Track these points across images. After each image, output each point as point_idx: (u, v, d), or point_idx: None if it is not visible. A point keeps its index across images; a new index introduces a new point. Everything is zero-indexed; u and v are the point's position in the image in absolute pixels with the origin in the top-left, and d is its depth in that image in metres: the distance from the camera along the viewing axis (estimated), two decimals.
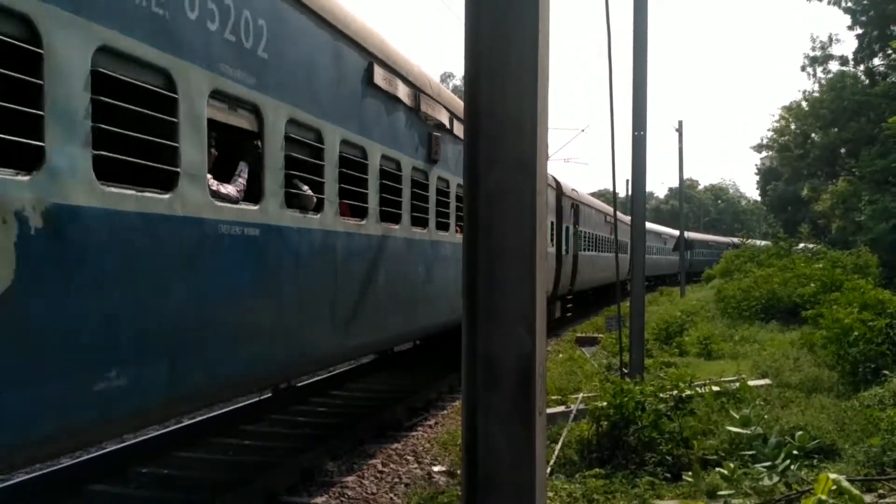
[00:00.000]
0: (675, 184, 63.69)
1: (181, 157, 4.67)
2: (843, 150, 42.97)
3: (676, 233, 43.47)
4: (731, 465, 6.31)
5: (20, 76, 3.57)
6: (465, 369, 2.60)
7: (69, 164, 3.81)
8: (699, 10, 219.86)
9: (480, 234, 2.57)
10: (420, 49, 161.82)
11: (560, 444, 7.76)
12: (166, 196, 4.54)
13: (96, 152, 3.99)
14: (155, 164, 4.49)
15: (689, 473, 6.68)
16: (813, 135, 46.26)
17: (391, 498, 7.18)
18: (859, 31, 39.61)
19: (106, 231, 4.07)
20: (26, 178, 3.57)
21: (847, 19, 39.59)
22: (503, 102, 2.54)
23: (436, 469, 8.03)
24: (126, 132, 4.23)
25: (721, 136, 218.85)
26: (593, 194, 44.01)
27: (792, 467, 6.28)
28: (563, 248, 21.04)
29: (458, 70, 79.37)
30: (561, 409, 9.31)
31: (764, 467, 6.31)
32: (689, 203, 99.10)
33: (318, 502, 7.01)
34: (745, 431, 7.03)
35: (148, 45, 4.39)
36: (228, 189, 5.43)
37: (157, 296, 4.48)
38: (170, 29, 4.56)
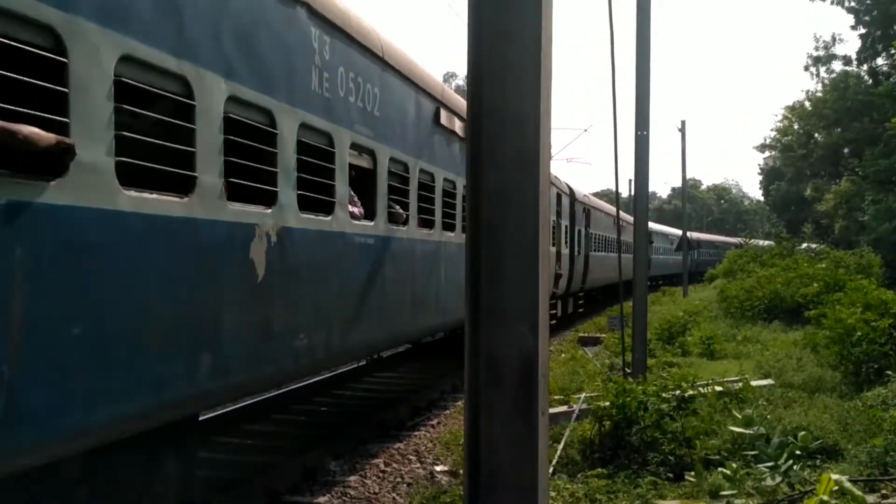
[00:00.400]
0: (678, 184, 63.56)
1: (336, 191, 6.64)
2: (846, 150, 42.91)
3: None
4: (734, 466, 6.30)
5: (266, 148, 5.53)
6: (467, 368, 2.60)
7: (288, 201, 5.78)
8: (702, 9, 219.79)
9: (483, 234, 2.57)
10: (423, 49, 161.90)
11: (562, 443, 7.76)
12: (328, 218, 6.53)
13: (299, 192, 5.94)
14: (325, 198, 6.47)
15: (692, 473, 6.68)
16: (816, 135, 46.17)
17: (394, 498, 7.18)
18: (862, 30, 39.50)
19: (302, 242, 6.04)
20: (269, 210, 5.51)
21: (850, 19, 39.51)
22: (504, 101, 2.54)
23: (438, 469, 8.03)
24: (311, 177, 6.18)
25: (724, 136, 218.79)
26: (596, 194, 44.04)
27: (795, 467, 6.28)
28: (576, 249, 22.72)
29: (461, 70, 79.45)
30: (563, 408, 9.30)
31: (767, 467, 6.31)
32: (692, 203, 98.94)
33: (320, 502, 7.01)
34: (747, 431, 7.02)
35: (322, 118, 6.39)
36: (357, 210, 7.31)
37: (324, 284, 6.48)
38: (332, 105, 6.58)
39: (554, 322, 20.70)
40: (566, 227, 21.29)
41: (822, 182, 46.95)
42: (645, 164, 11.08)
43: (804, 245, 32.87)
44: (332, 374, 12.01)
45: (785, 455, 6.33)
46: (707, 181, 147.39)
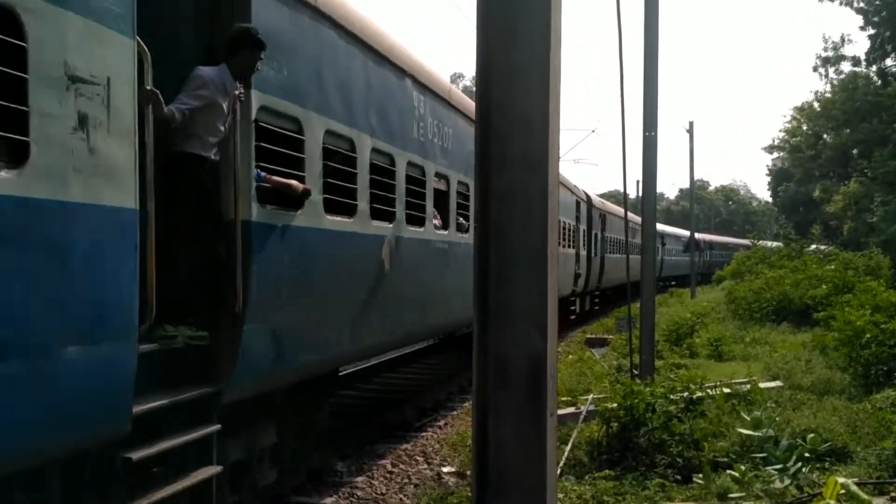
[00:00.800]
0: (686, 185, 63.52)
1: (426, 209, 8.69)
2: (855, 151, 42.67)
3: (697, 236, 43.58)
4: (742, 468, 6.27)
5: (389, 181, 7.60)
6: (476, 369, 2.59)
7: (401, 218, 7.87)
8: (710, 9, 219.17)
9: (491, 234, 2.56)
10: (430, 49, 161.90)
11: (570, 445, 7.73)
12: (422, 229, 8.62)
13: (407, 211, 8.03)
14: (419, 214, 8.50)
15: (700, 476, 6.65)
16: (825, 136, 45.98)
17: (401, 499, 7.18)
18: (871, 31, 39.22)
19: (409, 247, 8.12)
20: (390, 225, 7.56)
21: (859, 20, 39.25)
22: (512, 100, 2.53)
23: (445, 470, 8.02)
24: (413, 200, 8.23)
25: (732, 136, 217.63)
26: (603, 195, 44.07)
27: (803, 470, 6.24)
28: (593, 251, 24.96)
29: (468, 71, 79.47)
30: (571, 410, 9.28)
31: (775, 470, 6.28)
32: (700, 204, 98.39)
33: (327, 502, 7.00)
34: (756, 434, 6.99)
35: (419, 156, 8.49)
36: (437, 222, 9.23)
37: (418, 278, 8.53)
38: (424, 145, 8.68)
39: (573, 318, 22.23)
40: (584, 231, 23.26)
41: (831, 183, 46.68)
42: (653, 165, 11.06)
43: (813, 246, 32.71)
44: (337, 374, 12.00)
45: (794, 457, 6.30)
46: (715, 182, 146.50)
